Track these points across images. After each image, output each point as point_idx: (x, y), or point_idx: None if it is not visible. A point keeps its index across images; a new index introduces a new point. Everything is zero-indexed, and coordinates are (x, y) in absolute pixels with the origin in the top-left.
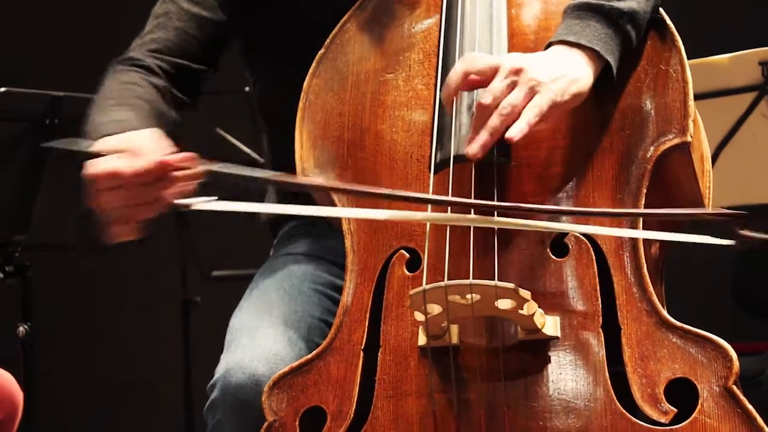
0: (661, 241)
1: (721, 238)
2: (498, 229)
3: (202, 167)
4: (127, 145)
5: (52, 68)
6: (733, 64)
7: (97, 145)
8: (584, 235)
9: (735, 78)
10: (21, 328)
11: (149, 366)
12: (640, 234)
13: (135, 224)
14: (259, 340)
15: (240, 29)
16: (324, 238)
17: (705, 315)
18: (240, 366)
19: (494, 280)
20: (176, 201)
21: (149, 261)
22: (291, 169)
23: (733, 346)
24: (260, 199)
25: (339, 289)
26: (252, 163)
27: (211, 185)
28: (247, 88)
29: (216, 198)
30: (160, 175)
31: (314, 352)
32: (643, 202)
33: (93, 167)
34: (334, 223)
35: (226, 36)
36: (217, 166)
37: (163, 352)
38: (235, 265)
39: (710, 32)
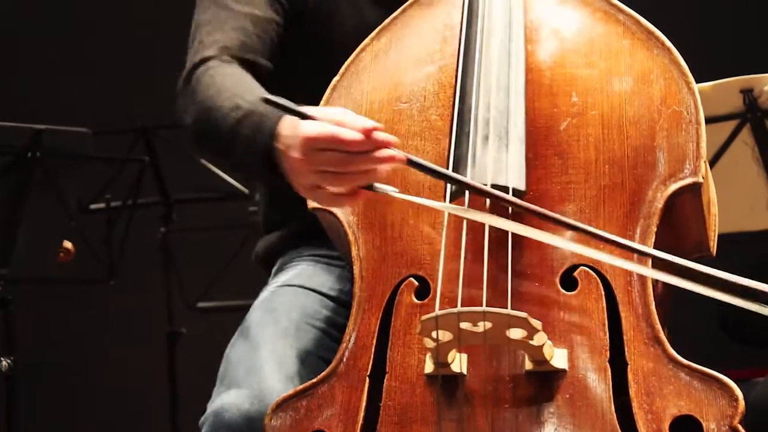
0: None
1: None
2: (511, 260)
3: (411, 156)
4: (340, 116)
5: (32, 101)
6: (715, 92)
7: (315, 112)
8: (594, 270)
9: (716, 106)
10: (4, 363)
11: (135, 398)
12: (662, 277)
13: (329, 194)
14: (254, 376)
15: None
16: (327, 272)
17: (691, 342)
18: (234, 403)
19: (507, 309)
20: (378, 186)
21: (134, 293)
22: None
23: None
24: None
25: (338, 327)
26: (236, 193)
27: None
28: None
29: (398, 190)
30: (371, 148)
31: (319, 377)
32: (653, 240)
33: (312, 127)
34: (343, 251)
35: (280, 35)
36: (414, 157)
37: (149, 384)
38: (220, 296)
39: (691, 60)
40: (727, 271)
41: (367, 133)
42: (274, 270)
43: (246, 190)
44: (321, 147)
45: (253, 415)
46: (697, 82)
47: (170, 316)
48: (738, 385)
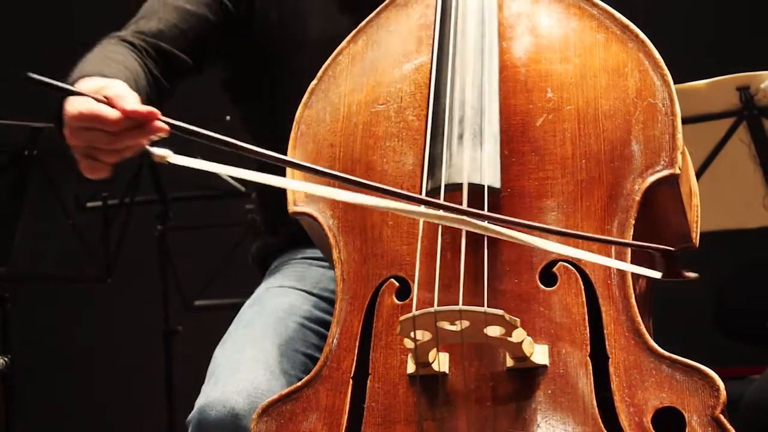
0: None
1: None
2: (488, 257)
3: (174, 121)
4: (108, 90)
5: (30, 99)
6: (711, 90)
7: (81, 86)
8: (573, 265)
9: (713, 104)
10: (0, 361)
11: (132, 396)
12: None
13: (102, 165)
14: (240, 373)
15: (237, 47)
16: (320, 273)
17: (686, 340)
18: (219, 400)
19: (484, 306)
20: (154, 151)
21: (131, 291)
22: (282, 198)
23: (714, 371)
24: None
25: (325, 324)
26: (233, 192)
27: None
28: (228, 117)
29: (173, 153)
30: (137, 123)
31: (303, 380)
32: (631, 233)
33: (76, 105)
34: (325, 254)
35: (212, 35)
36: (177, 122)
37: (146, 382)
38: (217, 295)
39: (687, 58)
40: (727, 270)
41: (131, 114)
42: (267, 271)
43: (243, 188)
44: (84, 126)
45: (238, 412)
46: (693, 79)
47: (167, 314)
48: (734, 383)
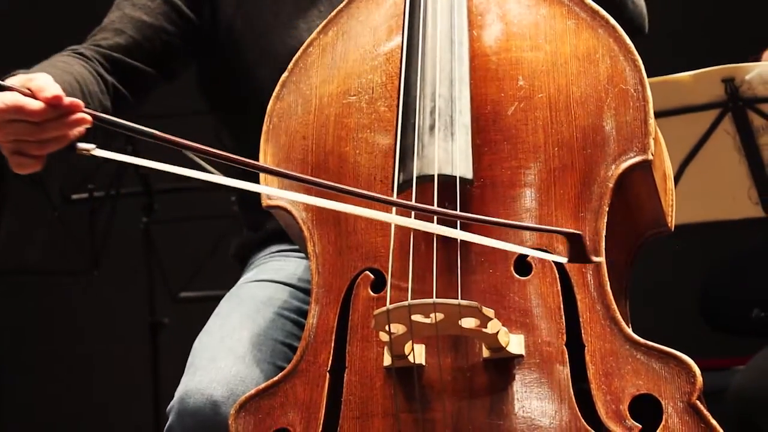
0: (626, 258)
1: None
2: (461, 248)
3: (97, 113)
4: (33, 83)
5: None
6: (696, 82)
7: (13, 82)
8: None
9: (698, 95)
10: None
11: (118, 388)
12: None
13: (30, 159)
14: (219, 362)
15: (201, 51)
16: (297, 264)
17: (672, 331)
18: (198, 389)
19: (458, 299)
20: (79, 145)
21: (117, 283)
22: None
23: (700, 362)
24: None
25: (304, 314)
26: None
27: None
28: None
29: (96, 146)
30: (59, 114)
31: (280, 375)
32: (605, 220)
33: (0, 99)
34: (300, 246)
35: (173, 45)
36: (100, 114)
37: (132, 374)
38: (203, 286)
39: (673, 49)
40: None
41: (52, 101)
42: (246, 266)
43: None
44: (8, 119)
45: (216, 400)
46: (679, 71)
47: (152, 306)
48: (719, 374)
